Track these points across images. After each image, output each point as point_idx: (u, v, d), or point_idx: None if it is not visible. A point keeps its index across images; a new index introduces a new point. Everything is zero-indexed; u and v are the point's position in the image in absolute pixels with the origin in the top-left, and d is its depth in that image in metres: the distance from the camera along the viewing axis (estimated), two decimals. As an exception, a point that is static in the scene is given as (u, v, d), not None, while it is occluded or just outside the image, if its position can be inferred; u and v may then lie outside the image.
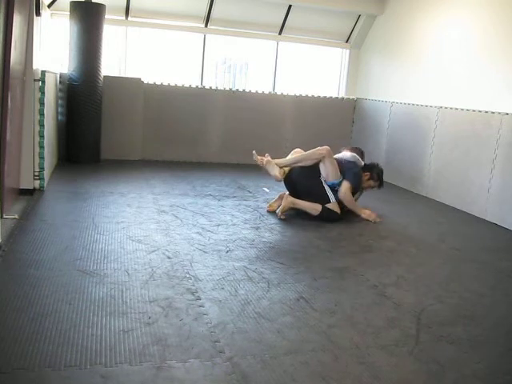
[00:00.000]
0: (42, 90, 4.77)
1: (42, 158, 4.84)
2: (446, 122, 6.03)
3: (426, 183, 6.33)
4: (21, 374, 2.00)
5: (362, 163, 5.09)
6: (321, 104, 7.83)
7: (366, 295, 3.11)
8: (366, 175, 5.06)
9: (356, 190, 4.99)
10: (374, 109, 7.53)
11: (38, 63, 4.93)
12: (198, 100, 7.23)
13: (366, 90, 7.92)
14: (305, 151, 4.87)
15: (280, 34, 7.87)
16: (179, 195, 5.22)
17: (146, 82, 7.00)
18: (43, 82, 4.78)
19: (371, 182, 5.10)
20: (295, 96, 7.73)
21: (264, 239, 4.03)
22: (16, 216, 3.94)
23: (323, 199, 4.69)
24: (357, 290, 3.18)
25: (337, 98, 8.01)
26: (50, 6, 6.47)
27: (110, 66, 7.11)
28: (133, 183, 5.60)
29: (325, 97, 7.88)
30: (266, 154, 4.86)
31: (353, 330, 2.63)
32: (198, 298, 2.82)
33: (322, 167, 4.75)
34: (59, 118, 6.45)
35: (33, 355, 2.12)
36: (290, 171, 4.85)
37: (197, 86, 7.32)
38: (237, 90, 7.50)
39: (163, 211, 4.56)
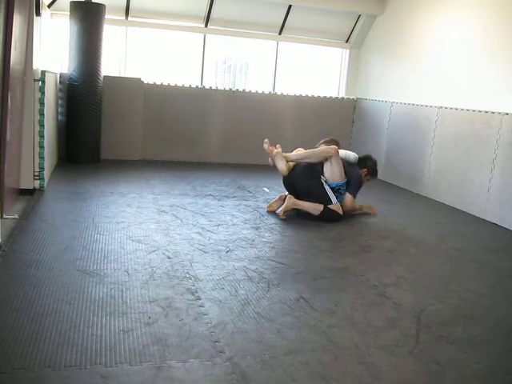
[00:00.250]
0: (41, 90, 4.77)
1: (42, 157, 4.84)
2: (445, 121, 6.03)
3: (426, 183, 6.33)
4: (21, 373, 2.00)
5: (357, 159, 5.14)
6: (321, 104, 7.84)
7: (366, 295, 3.11)
8: (363, 171, 5.09)
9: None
10: (374, 109, 7.53)
11: (38, 63, 4.93)
12: (197, 100, 7.23)
13: (365, 89, 7.92)
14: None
15: (280, 34, 7.87)
16: (179, 195, 5.22)
17: (145, 82, 7.00)
18: (43, 82, 4.78)
19: (368, 177, 5.20)
20: (295, 96, 7.73)
21: (264, 239, 4.03)
22: (16, 216, 3.94)
23: (323, 200, 4.69)
24: (357, 289, 3.18)
25: (337, 98, 8.01)
26: (50, 5, 6.47)
27: (110, 65, 7.11)
28: (133, 183, 5.60)
29: (325, 97, 7.89)
30: (278, 145, 4.87)
31: (353, 330, 2.63)
32: (198, 298, 2.82)
33: (327, 167, 4.76)
34: (59, 117, 6.45)
35: (33, 355, 2.12)
36: (290, 171, 4.85)
37: (197, 86, 7.32)
38: (237, 90, 7.50)
39: (163, 211, 4.56)
